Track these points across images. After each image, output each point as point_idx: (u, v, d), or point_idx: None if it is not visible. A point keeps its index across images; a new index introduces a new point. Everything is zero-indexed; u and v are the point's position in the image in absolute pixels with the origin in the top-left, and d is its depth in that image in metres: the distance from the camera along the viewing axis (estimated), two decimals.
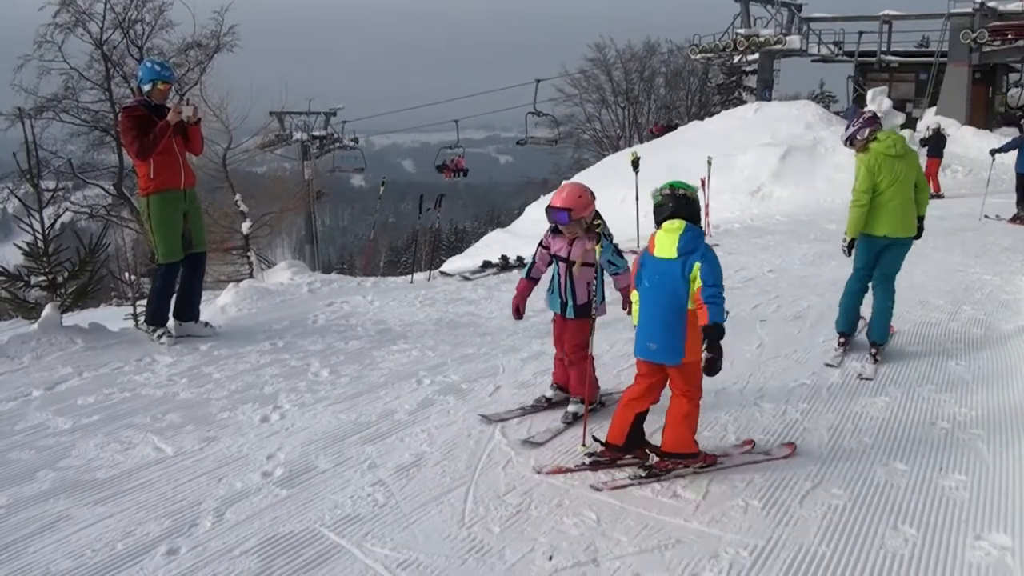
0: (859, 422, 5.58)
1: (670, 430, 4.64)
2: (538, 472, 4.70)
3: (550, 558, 3.83)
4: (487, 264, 11.55)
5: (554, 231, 5.38)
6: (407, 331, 7.77)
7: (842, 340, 7.30)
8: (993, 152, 16.69)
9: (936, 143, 21.07)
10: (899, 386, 6.35)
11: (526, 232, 24.89)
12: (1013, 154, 16.57)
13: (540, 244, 5.52)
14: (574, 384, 5.51)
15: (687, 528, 4.11)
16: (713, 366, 4.20)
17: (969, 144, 25.90)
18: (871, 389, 6.26)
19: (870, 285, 7.25)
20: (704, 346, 4.21)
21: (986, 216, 16.38)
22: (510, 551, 3.89)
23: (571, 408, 5.51)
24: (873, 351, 7.06)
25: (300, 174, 33.96)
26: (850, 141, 7.10)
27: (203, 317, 7.63)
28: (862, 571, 3.78)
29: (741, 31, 37.15)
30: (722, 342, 4.19)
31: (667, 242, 4.44)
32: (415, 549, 3.88)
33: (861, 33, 35.71)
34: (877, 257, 7.11)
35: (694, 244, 4.39)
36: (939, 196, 20.33)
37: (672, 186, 4.58)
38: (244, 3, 31.49)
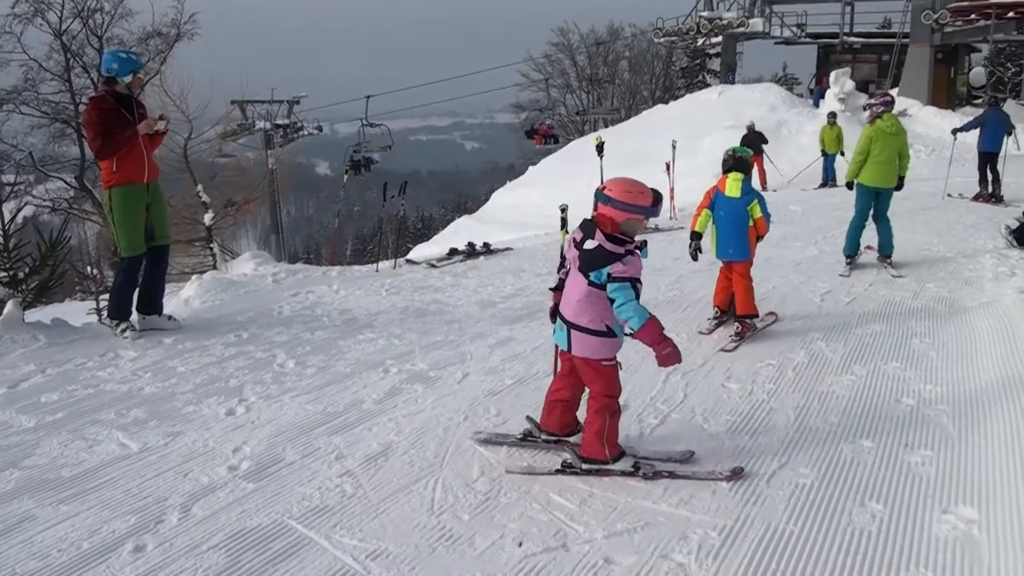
0: (825, 401, 5.62)
1: (740, 302, 7.20)
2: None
3: (520, 544, 3.81)
4: (454, 251, 11.47)
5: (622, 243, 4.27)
6: (373, 320, 7.72)
7: (848, 261, 10.06)
8: (955, 131, 16.84)
9: (752, 142, 20.57)
10: (864, 364, 6.40)
11: (493, 218, 24.90)
12: (975, 133, 16.75)
13: (635, 279, 4.23)
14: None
15: (656, 510, 4.11)
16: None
17: (931, 124, 26.17)
18: (836, 368, 6.31)
19: (868, 223, 10.14)
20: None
21: (949, 195, 16.56)
22: (480, 538, 3.87)
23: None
24: (888, 262, 10.04)
25: (264, 163, 33.66)
26: (868, 109, 10.38)
27: (167, 310, 7.54)
28: (830, 548, 3.80)
29: (704, 14, 37.26)
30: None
31: (734, 187, 7.08)
32: (384, 539, 3.85)
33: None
34: (873, 201, 9.99)
35: (749, 188, 7.15)
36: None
37: (734, 150, 7.29)
38: None
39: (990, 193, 16.29)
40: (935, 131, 24.86)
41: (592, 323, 4.31)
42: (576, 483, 4.40)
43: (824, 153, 21.30)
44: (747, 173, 7.20)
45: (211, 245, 27.73)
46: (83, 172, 29.10)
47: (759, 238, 7.27)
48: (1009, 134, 16.94)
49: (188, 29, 30.86)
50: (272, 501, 4.24)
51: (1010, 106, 24.32)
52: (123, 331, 7.01)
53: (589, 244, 4.24)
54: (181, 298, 8.63)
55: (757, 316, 7.29)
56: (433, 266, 10.50)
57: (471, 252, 11.36)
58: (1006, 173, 16.47)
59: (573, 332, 4.36)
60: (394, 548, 3.78)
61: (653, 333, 4.21)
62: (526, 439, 4.87)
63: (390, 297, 8.69)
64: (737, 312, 7.20)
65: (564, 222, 5.02)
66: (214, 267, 24.29)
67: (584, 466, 4.51)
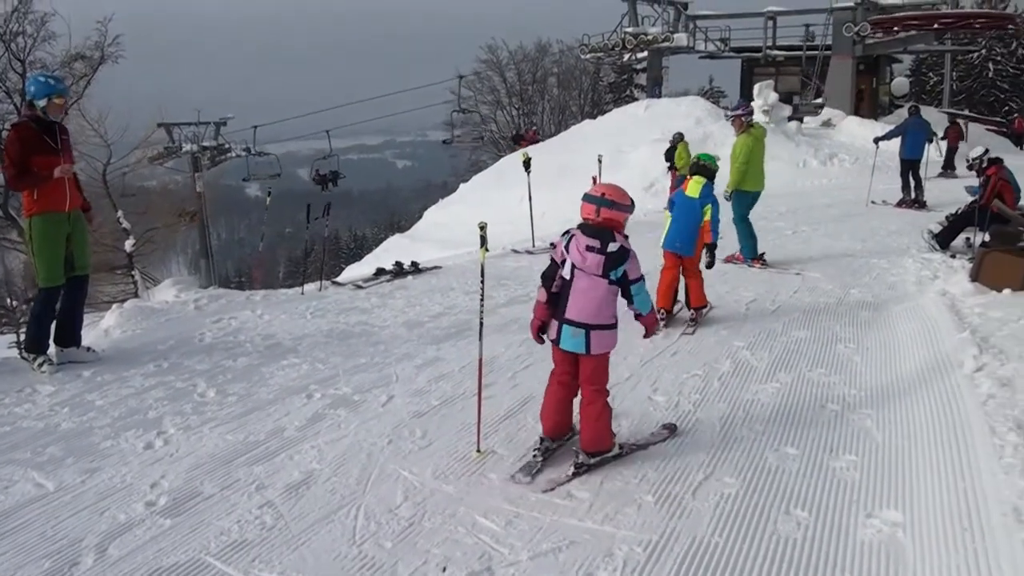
0: (750, 409, 5.66)
1: (693, 294, 8.05)
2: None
3: (444, 570, 3.75)
4: (380, 271, 11.31)
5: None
6: (297, 344, 7.55)
7: (764, 260, 10.80)
8: (877, 140, 17.22)
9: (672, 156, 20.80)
10: (789, 371, 6.47)
11: (426, 236, 24.76)
12: (896, 141, 17.14)
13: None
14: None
15: (581, 528, 4.08)
16: (711, 264, 8.10)
17: (855, 133, 26.70)
18: (761, 376, 6.37)
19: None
20: (705, 252, 8.03)
21: (873, 202, 16.89)
22: (402, 566, 3.79)
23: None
24: (762, 262, 10.82)
25: (191, 187, 33.07)
26: (734, 120, 11.00)
27: (86, 341, 7.32)
28: (755, 558, 3.81)
29: (629, 30, 37.60)
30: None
31: (694, 188, 7.92)
32: (304, 572, 3.76)
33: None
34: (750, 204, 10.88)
35: (708, 193, 7.90)
36: None
37: (699, 157, 8.23)
38: (123, 8, 30.45)
39: (913, 199, 16.68)
40: (859, 140, 25.34)
41: (610, 319, 4.68)
42: (502, 504, 4.35)
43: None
44: (711, 179, 8.06)
45: (132, 272, 27.12)
46: (7, 200, 28.22)
47: (704, 245, 8.03)
48: (930, 141, 17.42)
49: (112, 52, 30.19)
50: (190, 537, 4.11)
51: (931, 114, 25.02)
52: (40, 365, 6.79)
53: (613, 247, 4.58)
54: (101, 328, 8.38)
55: (706, 306, 8.19)
56: (359, 287, 10.33)
57: (398, 271, 11.22)
58: (928, 179, 16.91)
59: (594, 333, 4.62)
60: None
61: (653, 316, 5.00)
62: (546, 454, 4.91)
63: (315, 320, 8.51)
64: (692, 305, 8.07)
65: (483, 240, 4.98)
66: (135, 295, 23.75)
67: (592, 461, 4.75)
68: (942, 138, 22.76)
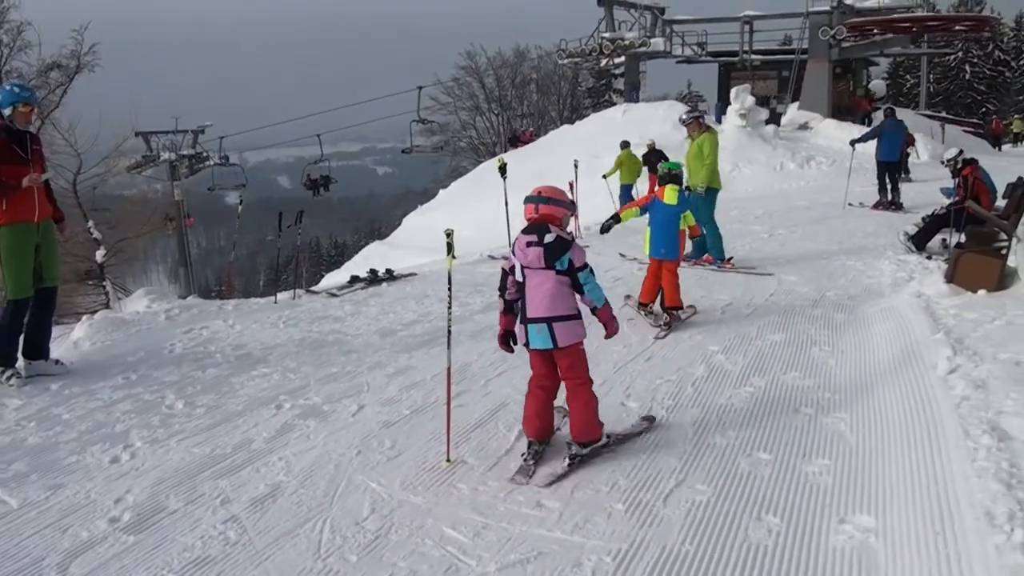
0: (723, 415, 5.62)
1: (668, 296, 8.11)
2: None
3: None
4: (355, 279, 11.21)
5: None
6: (268, 354, 7.46)
7: (732, 262, 10.82)
8: (853, 143, 17.26)
9: (652, 160, 20.63)
10: (763, 375, 6.43)
11: (406, 243, 24.71)
12: (872, 144, 17.20)
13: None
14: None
15: (550, 538, 4.03)
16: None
17: (832, 136, 26.82)
18: (736, 381, 6.34)
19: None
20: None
21: (850, 204, 16.94)
22: None
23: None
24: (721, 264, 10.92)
25: (170, 195, 32.87)
26: (692, 123, 11.32)
27: (55, 353, 7.22)
28: (725, 566, 3.77)
29: (606, 35, 37.73)
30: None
31: (671, 196, 8.15)
32: None
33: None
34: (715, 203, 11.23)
35: (684, 199, 8.31)
36: None
37: (669, 167, 8.43)
38: (97, 16, 30.18)
39: (890, 201, 16.72)
40: (836, 143, 25.43)
41: (568, 309, 4.77)
42: (470, 514, 4.30)
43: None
44: (681, 184, 8.40)
45: (104, 283, 26.85)
46: None
47: (692, 238, 8.86)
48: (905, 143, 17.45)
49: (88, 60, 29.92)
50: (152, 554, 4.03)
51: (908, 115, 25.11)
52: (8, 378, 6.70)
53: (549, 237, 4.71)
54: (71, 340, 8.27)
55: (682, 308, 8.16)
56: (333, 295, 10.23)
57: (373, 279, 11.12)
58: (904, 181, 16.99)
59: (556, 325, 4.73)
60: None
61: (609, 311, 4.98)
62: (536, 456, 4.96)
63: (287, 329, 8.41)
64: (666, 304, 8.11)
65: (450, 247, 4.94)
66: (107, 306, 23.51)
67: (585, 451, 4.87)
68: None
